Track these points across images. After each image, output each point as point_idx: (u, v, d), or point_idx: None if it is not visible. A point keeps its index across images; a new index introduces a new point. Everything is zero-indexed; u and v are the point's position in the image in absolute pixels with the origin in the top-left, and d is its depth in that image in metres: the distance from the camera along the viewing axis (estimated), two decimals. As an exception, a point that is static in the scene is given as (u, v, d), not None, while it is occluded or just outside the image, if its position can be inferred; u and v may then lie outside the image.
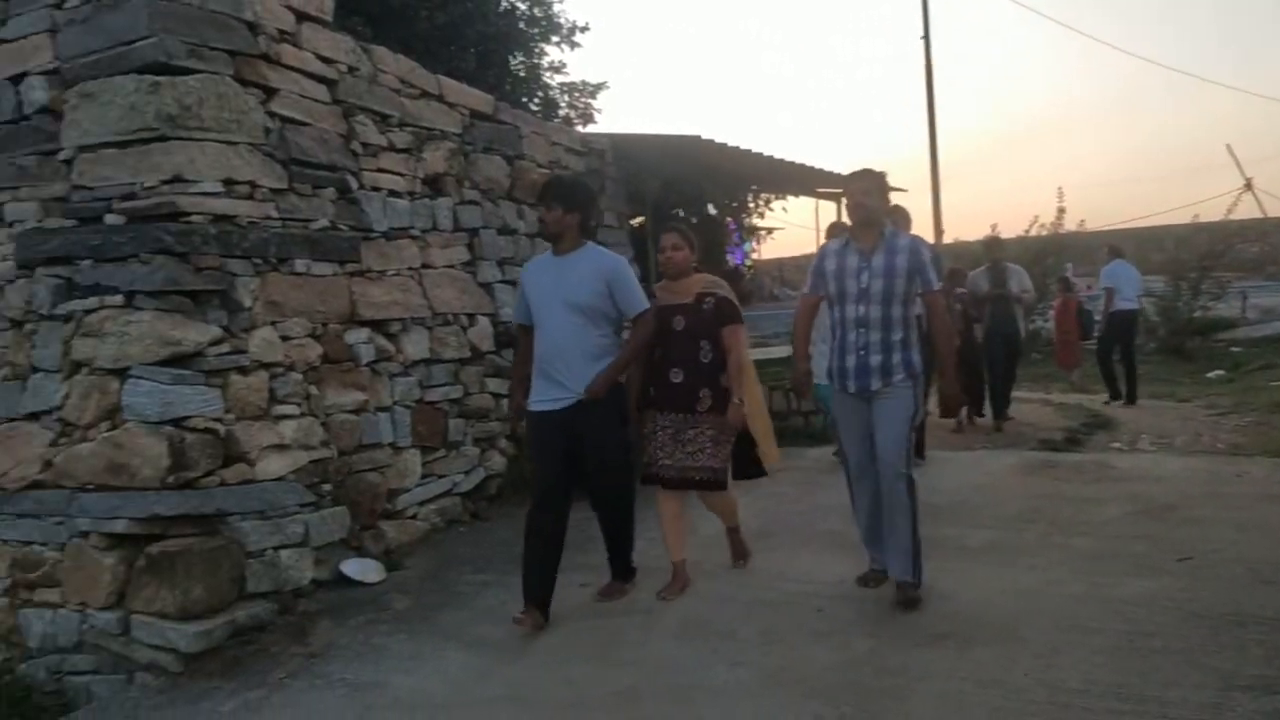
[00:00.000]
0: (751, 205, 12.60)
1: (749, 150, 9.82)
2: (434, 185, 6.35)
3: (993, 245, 10.21)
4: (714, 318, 4.62)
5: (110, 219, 4.60)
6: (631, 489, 4.64)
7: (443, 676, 4.07)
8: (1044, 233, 18.68)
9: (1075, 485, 6.68)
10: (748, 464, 4.96)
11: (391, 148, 5.96)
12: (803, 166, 10.84)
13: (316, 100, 5.41)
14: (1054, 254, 18.54)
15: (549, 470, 4.45)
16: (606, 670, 3.96)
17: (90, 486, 4.54)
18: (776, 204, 12.95)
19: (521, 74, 11.16)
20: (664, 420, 4.64)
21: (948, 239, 20.03)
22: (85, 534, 4.56)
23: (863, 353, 4.39)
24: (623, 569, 4.85)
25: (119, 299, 4.53)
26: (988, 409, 9.68)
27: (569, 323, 4.39)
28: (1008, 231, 14.78)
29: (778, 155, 10.29)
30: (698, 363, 4.59)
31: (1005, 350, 9.53)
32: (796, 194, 12.81)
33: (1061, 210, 18.68)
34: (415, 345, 5.98)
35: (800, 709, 3.49)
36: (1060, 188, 29.73)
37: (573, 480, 4.49)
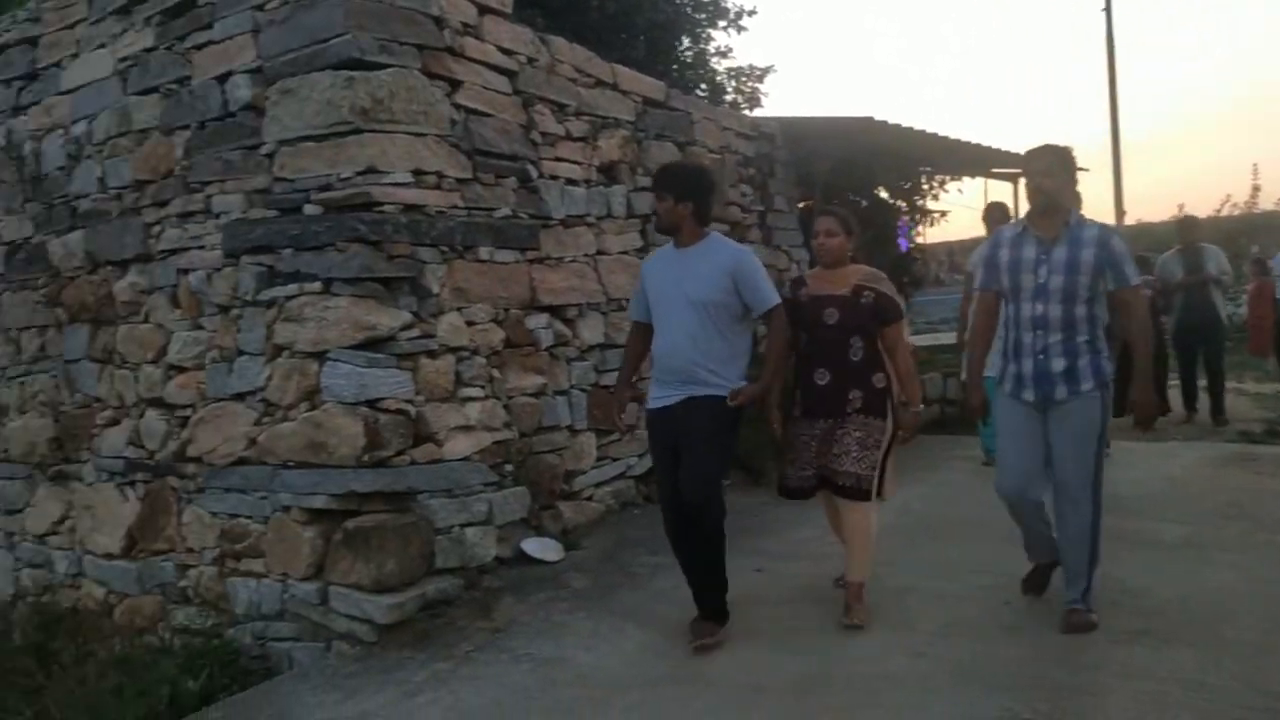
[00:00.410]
0: (925, 187, 12.26)
1: (921, 130, 9.57)
2: (608, 173, 6.43)
3: (1188, 226, 9.55)
4: (872, 313, 4.19)
5: (309, 209, 4.83)
6: (722, 509, 4.06)
7: (622, 655, 4.14)
8: (1236, 212, 17.57)
9: (1278, 480, 6.29)
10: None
11: (569, 136, 6.06)
12: (977, 146, 10.50)
13: (498, 91, 5.55)
14: (1248, 235, 17.45)
15: (668, 482, 4.12)
16: (784, 656, 3.95)
17: (291, 463, 4.79)
18: (951, 186, 12.57)
19: (689, 59, 11.18)
20: (810, 428, 4.23)
21: (1129, 220, 19.12)
22: (287, 508, 4.82)
23: (1041, 357, 3.89)
24: (713, 608, 4.17)
25: (317, 286, 4.75)
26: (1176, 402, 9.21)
27: (692, 321, 4.01)
28: (1196, 212, 13.95)
29: (951, 135, 10.03)
30: (847, 361, 4.16)
31: (1206, 340, 9.00)
32: (971, 175, 12.41)
33: (1256, 188, 17.53)
34: (591, 330, 6.08)
35: (989, 703, 3.40)
36: (1255, 164, 27.89)
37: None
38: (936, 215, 12.68)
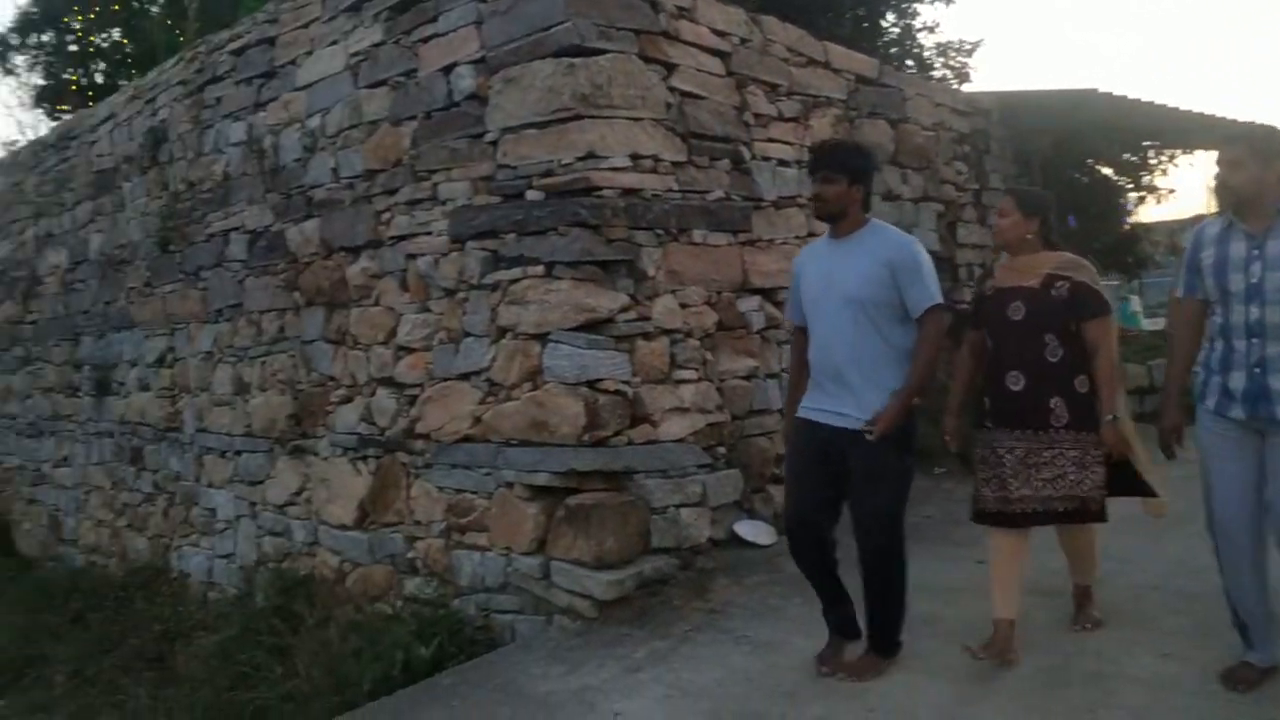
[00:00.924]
0: (1153, 162, 11.56)
1: (1146, 101, 9.03)
2: (820, 152, 6.34)
3: None
4: (1066, 306, 3.61)
5: (531, 195, 4.96)
6: (902, 544, 3.63)
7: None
8: None
9: None
10: (1129, 480, 3.78)
11: (780, 117, 6.00)
12: (1208, 117, 9.82)
13: (712, 73, 5.54)
14: None
15: (801, 499, 3.69)
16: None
17: (514, 441, 4.95)
18: (1181, 160, 11.81)
19: (895, 36, 10.92)
20: (1007, 440, 3.66)
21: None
22: (510, 484, 4.98)
23: (1258, 371, 3.24)
24: (885, 641, 3.75)
25: (540, 269, 4.88)
26: None
27: (847, 322, 3.56)
28: None
29: (1179, 105, 9.41)
30: (1042, 363, 3.60)
31: None
32: (1204, 148, 11.62)
33: None
34: (800, 313, 6.02)
35: (1247, 712, 3.18)
36: None
37: (831, 515, 3.67)
38: (1164, 192, 11.95)
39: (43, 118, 20.48)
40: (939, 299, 3.57)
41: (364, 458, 5.92)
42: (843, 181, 3.60)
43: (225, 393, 7.23)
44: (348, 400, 6.06)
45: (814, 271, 3.72)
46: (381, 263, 5.84)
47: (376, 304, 5.87)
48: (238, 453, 7.07)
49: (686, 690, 3.80)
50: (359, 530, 5.91)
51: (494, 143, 5.18)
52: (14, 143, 21.01)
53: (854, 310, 3.54)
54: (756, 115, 5.81)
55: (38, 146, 11.45)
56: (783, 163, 5.98)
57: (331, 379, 6.20)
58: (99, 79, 19.87)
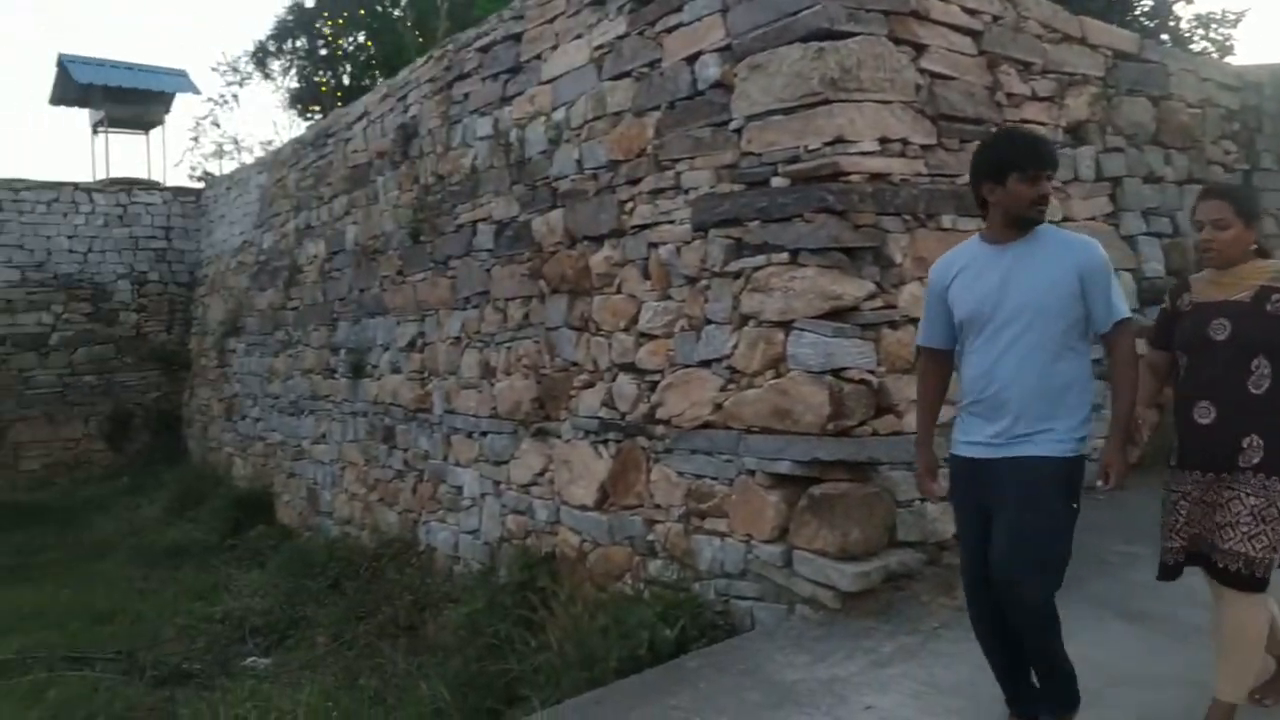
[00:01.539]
0: None
1: None
2: (1075, 133, 6.05)
3: None
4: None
5: (776, 182, 4.94)
6: (1050, 599, 3.07)
7: (1107, 648, 3.87)
8: None
9: None
10: None
11: (1034, 96, 5.75)
12: None
13: (962, 53, 5.36)
14: None
15: (974, 552, 3.20)
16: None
17: (755, 429, 4.95)
18: None
19: (1150, 7, 10.26)
20: (1185, 483, 3.17)
21: None
22: (751, 472, 4.98)
23: None
24: (1058, 700, 3.21)
25: (784, 256, 4.85)
26: None
27: (1022, 339, 3.05)
28: None
29: None
30: (1242, 393, 3.04)
31: None
32: None
33: None
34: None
35: None
36: None
37: None
38: None
39: (296, 119, 22.02)
40: (1127, 311, 3.12)
41: (605, 441, 6.07)
42: (1049, 175, 3.14)
43: (472, 376, 7.56)
44: (590, 385, 6.22)
45: (972, 281, 3.16)
46: (624, 251, 5.96)
47: (618, 292, 6.00)
48: (483, 434, 7.39)
49: (939, 687, 3.71)
50: (599, 512, 6.06)
51: (738, 130, 5.19)
52: (270, 143, 22.73)
53: (1033, 326, 3.04)
54: (1009, 95, 5.58)
55: (298, 145, 12.31)
56: (1036, 144, 5.72)
57: (574, 364, 6.38)
58: (346, 80, 21.16)
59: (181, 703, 5.86)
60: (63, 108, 18.31)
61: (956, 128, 5.24)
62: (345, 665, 6.67)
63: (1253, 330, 3.04)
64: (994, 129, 5.42)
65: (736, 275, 5.14)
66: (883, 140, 4.87)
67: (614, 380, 6.00)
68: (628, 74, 5.99)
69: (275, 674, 6.77)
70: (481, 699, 5.30)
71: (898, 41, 5.02)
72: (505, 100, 7.32)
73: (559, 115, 6.63)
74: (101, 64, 17.42)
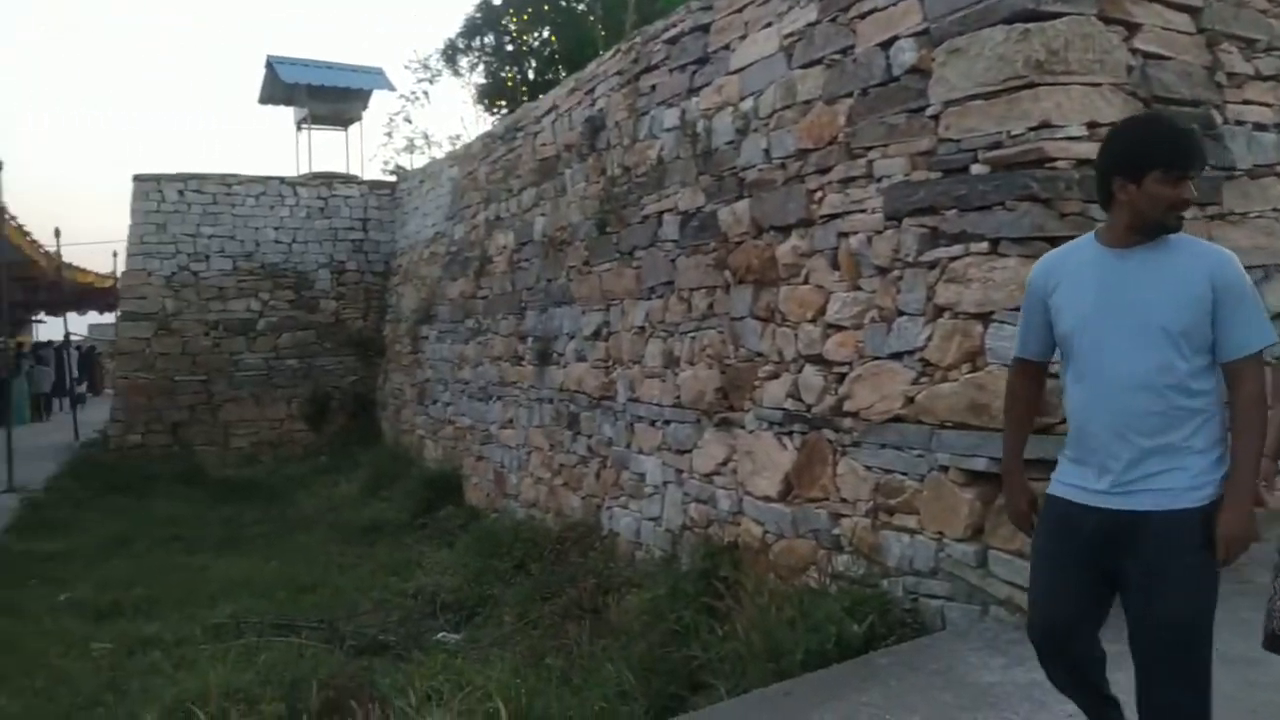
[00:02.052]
0: None
1: None
2: (1303, 115, 5.61)
3: None
4: None
5: (975, 169, 4.79)
6: (1207, 674, 2.57)
7: None
8: None
9: None
10: None
11: (1258, 75, 5.36)
12: None
13: (1179, 31, 5.06)
14: None
15: (1054, 605, 2.74)
16: None
17: (949, 424, 4.81)
18: None
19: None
20: None
21: None
22: (944, 468, 4.85)
23: None
24: None
25: (984, 246, 4.70)
26: None
27: (1147, 361, 2.56)
28: None
29: None
30: None
31: None
32: None
33: None
34: (1276, 295, 5.36)
35: None
36: None
37: (1094, 623, 2.75)
38: None
39: (483, 114, 22.74)
40: (1273, 337, 2.57)
41: (790, 433, 6.02)
42: (1190, 175, 2.61)
43: (656, 365, 7.64)
44: (775, 376, 6.19)
45: (1084, 289, 2.67)
46: (812, 241, 5.89)
47: (806, 282, 5.94)
48: (666, 422, 7.45)
49: (1149, 699, 3.52)
50: (783, 504, 6.02)
51: (935, 116, 5.05)
52: (458, 138, 23.54)
53: (1159, 345, 2.54)
54: (1230, 75, 5.23)
55: (488, 139, 12.70)
56: (1260, 126, 5.35)
57: (759, 355, 6.36)
58: (531, 75, 21.69)
59: (379, 672, 6.14)
60: (270, 106, 19.42)
61: (1171, 110, 4.95)
62: (531, 644, 6.85)
63: None
64: (1213, 110, 5.12)
65: (931, 265, 5.01)
66: (1091, 125, 4.64)
67: (800, 372, 5.95)
68: (818, 61, 5.91)
69: (465, 649, 7.02)
70: (665, 684, 5.36)
71: (1108, 21, 4.77)
72: (692, 91, 7.35)
73: (747, 105, 6.61)
74: (306, 64, 18.40)
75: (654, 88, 7.96)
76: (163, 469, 14.66)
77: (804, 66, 6.04)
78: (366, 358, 17.44)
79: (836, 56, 5.76)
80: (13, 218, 14.22)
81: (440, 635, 7.63)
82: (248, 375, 16.64)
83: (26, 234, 16.22)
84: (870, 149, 5.46)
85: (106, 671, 6.07)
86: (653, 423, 7.68)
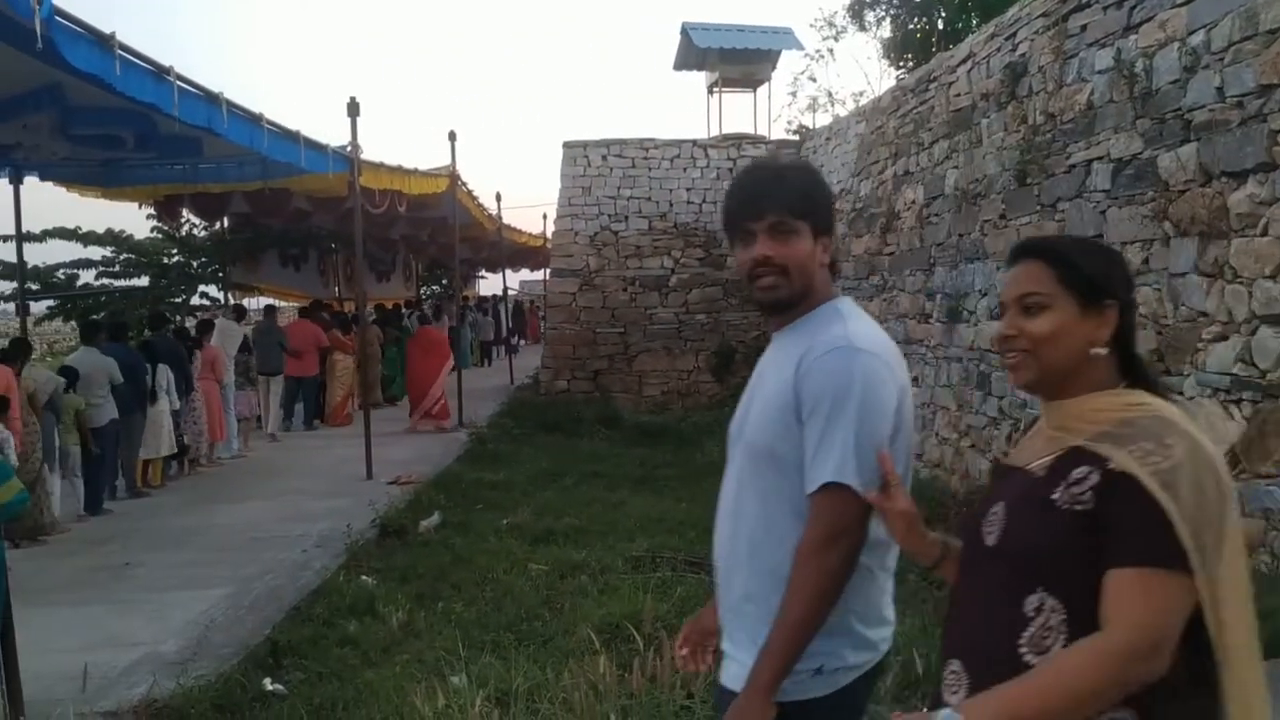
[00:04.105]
0: None
1: None
2: None
3: None
4: (1083, 531, 1.53)
5: None
6: None
7: None
8: None
9: None
10: None
11: None
12: None
13: None
14: None
15: None
16: None
17: None
18: None
19: None
20: None
21: None
22: None
23: None
24: None
25: None
26: None
27: (739, 489, 2.04)
28: None
29: None
30: (1010, 657, 1.58)
31: None
32: None
33: None
34: None
35: None
36: None
37: None
38: None
39: (888, 68, 22.32)
40: (850, 475, 1.84)
41: (1237, 401, 5.47)
42: (804, 230, 1.98)
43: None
44: (1222, 338, 5.63)
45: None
46: (1273, 188, 5.27)
47: (1264, 234, 5.33)
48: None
49: None
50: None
51: None
52: (861, 94, 23.28)
53: (748, 468, 2.02)
54: None
55: (898, 91, 12.47)
56: None
57: (1203, 315, 5.81)
58: (940, 26, 20.99)
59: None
60: (684, 72, 20.20)
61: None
62: (935, 603, 6.76)
63: (1027, 533, 1.61)
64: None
65: None
66: None
67: (1253, 334, 5.37)
68: (1288, -15, 5.25)
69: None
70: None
71: None
72: (1129, 29, 6.78)
73: (1196, 39, 6.00)
74: (718, 28, 18.92)
75: (1084, 28, 7.43)
76: (585, 412, 15.87)
77: (1270, -8, 5.39)
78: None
79: (1313, -23, 5.10)
80: (464, 184, 15.87)
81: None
82: (660, 329, 17.57)
83: (474, 198, 18.06)
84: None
85: (543, 589, 6.70)
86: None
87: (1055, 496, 1.56)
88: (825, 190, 2.08)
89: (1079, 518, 1.52)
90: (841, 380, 1.86)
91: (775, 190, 1.98)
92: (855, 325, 1.95)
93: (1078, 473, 1.55)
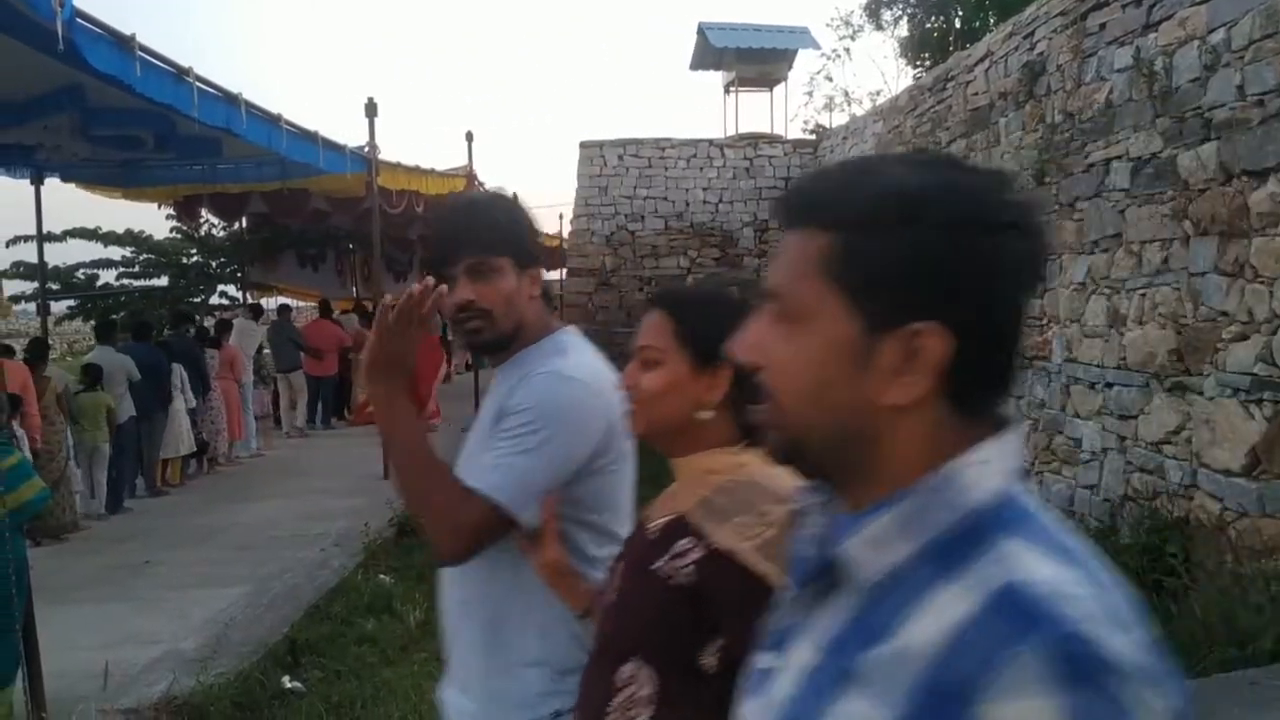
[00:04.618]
0: None
1: None
2: None
3: None
4: (675, 606, 1.44)
5: None
6: None
7: None
8: None
9: None
10: None
11: None
12: None
13: None
14: None
15: None
16: None
17: None
18: None
19: None
20: None
21: None
22: None
23: None
24: None
25: None
26: None
27: None
28: None
29: None
30: (596, 717, 1.48)
31: None
32: None
33: None
34: None
35: None
36: None
37: None
38: None
39: (904, 67, 22.27)
40: (497, 490, 1.76)
41: (1258, 401, 5.44)
42: (506, 266, 1.92)
43: (1097, 324, 7.17)
44: (1242, 338, 5.59)
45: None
46: (1294, 187, 5.25)
47: (1285, 233, 5.31)
48: (1108, 385, 6.99)
49: None
50: (1247, 479, 5.46)
51: None
52: (877, 94, 23.23)
53: None
54: None
55: (915, 90, 12.45)
56: None
57: (1223, 314, 5.77)
58: (957, 25, 20.92)
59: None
60: (700, 72, 20.19)
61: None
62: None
63: (632, 597, 1.54)
64: None
65: None
66: None
67: (1274, 333, 5.33)
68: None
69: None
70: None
71: None
72: (1149, 27, 6.74)
73: (1216, 37, 5.96)
74: (735, 28, 18.91)
75: (1103, 26, 7.39)
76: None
77: (1285, -11, 5.36)
78: (784, 312, 17.77)
79: (1334, -26, 5.06)
80: (480, 184, 15.91)
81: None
82: (676, 329, 17.60)
83: (490, 199, 18.10)
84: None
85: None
86: (1092, 385, 7.22)
87: (657, 566, 1.46)
88: (524, 222, 2.01)
89: (680, 590, 1.43)
90: (542, 400, 1.81)
91: (468, 231, 1.92)
92: (576, 358, 1.92)
93: (682, 544, 1.46)
